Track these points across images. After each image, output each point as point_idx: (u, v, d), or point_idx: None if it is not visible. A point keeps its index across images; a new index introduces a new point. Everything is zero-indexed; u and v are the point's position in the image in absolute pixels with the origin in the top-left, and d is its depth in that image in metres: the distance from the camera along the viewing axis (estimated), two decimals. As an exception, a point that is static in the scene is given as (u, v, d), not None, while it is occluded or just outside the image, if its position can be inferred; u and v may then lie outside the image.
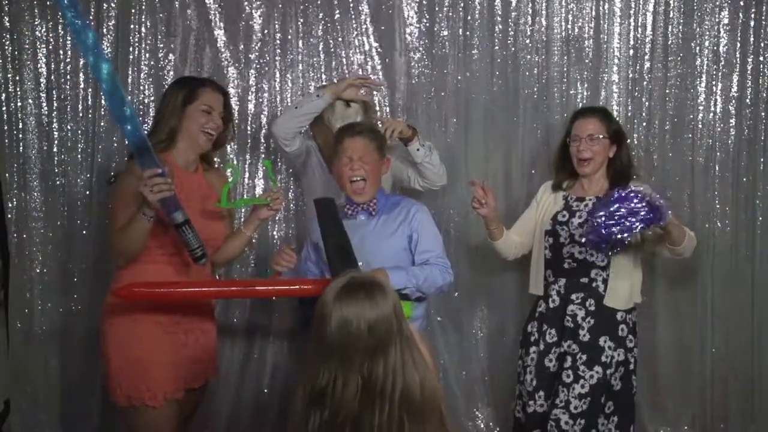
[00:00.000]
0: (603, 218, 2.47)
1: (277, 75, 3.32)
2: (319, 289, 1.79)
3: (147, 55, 3.27)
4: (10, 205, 3.25)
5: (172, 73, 3.27)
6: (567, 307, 2.77)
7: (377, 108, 3.25)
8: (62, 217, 3.29)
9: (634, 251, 2.76)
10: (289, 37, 3.30)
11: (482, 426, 3.44)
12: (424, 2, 3.28)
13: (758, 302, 3.32)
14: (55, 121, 3.26)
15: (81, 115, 3.27)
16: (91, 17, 3.21)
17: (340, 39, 3.30)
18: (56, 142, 3.27)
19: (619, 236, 2.46)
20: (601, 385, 2.68)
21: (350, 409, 1.56)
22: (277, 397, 3.34)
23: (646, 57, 3.28)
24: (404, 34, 3.30)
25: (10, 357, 3.30)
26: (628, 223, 2.45)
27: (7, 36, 3.20)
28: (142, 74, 3.28)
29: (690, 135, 3.29)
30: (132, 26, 3.24)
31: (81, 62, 3.23)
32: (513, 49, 3.30)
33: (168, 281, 2.38)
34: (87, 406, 3.31)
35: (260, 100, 3.34)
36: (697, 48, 3.26)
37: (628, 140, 2.99)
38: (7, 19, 3.19)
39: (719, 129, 3.28)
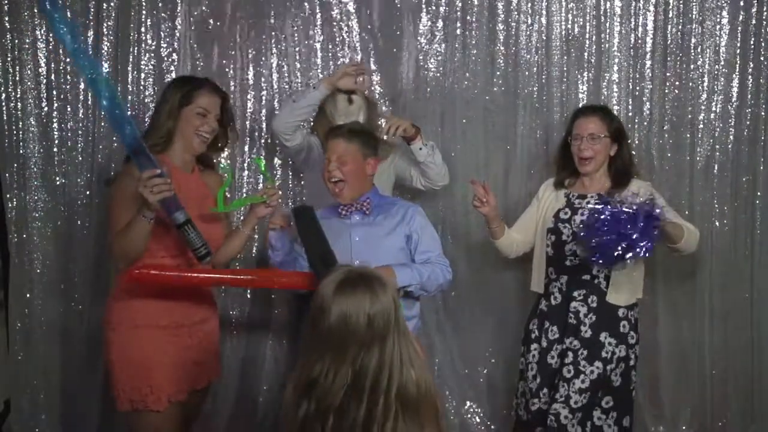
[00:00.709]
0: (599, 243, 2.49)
1: (275, 74, 3.32)
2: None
3: (147, 55, 3.26)
4: (10, 205, 3.25)
5: (173, 72, 3.26)
6: (569, 304, 2.78)
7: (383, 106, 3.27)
8: (62, 217, 3.29)
9: None
10: (289, 36, 3.29)
11: (482, 424, 3.44)
12: (423, 2, 3.28)
13: (757, 301, 3.33)
14: (55, 121, 3.26)
15: (81, 115, 3.26)
16: (90, 17, 3.21)
17: (338, 38, 3.29)
18: (56, 142, 3.26)
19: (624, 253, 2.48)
20: (601, 381, 2.70)
21: (335, 400, 1.57)
22: (277, 396, 3.34)
23: (647, 57, 3.28)
24: (403, 33, 3.29)
25: (10, 357, 3.30)
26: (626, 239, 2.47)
27: (7, 36, 3.19)
28: (142, 74, 3.27)
29: (690, 135, 3.29)
30: (132, 25, 3.23)
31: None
32: (513, 48, 3.30)
33: (175, 267, 2.39)
34: (87, 407, 3.31)
35: (259, 98, 3.33)
36: (698, 48, 3.26)
37: (629, 139, 3.00)
38: (7, 19, 3.19)
39: (719, 129, 3.28)
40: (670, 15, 3.26)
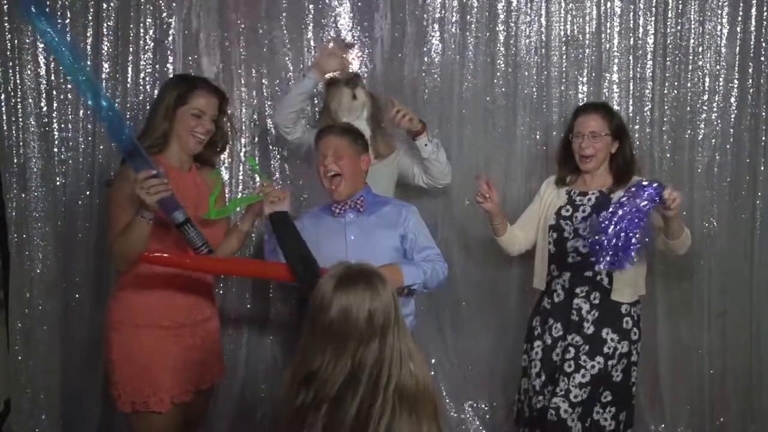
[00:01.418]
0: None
1: (271, 73, 3.32)
2: None
3: (146, 55, 3.26)
4: (10, 205, 3.25)
5: (173, 72, 3.26)
6: (572, 301, 2.79)
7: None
8: (62, 217, 3.29)
9: None
10: (285, 37, 3.29)
11: (482, 423, 3.45)
12: (423, 3, 3.28)
13: (757, 301, 3.33)
14: (55, 121, 3.26)
15: (81, 115, 3.26)
16: (90, 17, 3.21)
17: (335, 37, 3.29)
18: (56, 142, 3.26)
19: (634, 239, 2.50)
20: (601, 376, 2.70)
21: (332, 391, 1.59)
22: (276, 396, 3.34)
23: (647, 57, 3.28)
24: (403, 34, 3.30)
25: (10, 357, 3.30)
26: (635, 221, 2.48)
27: (7, 36, 3.19)
28: (141, 74, 3.27)
29: (690, 135, 3.29)
30: (131, 25, 3.24)
31: (80, 63, 3.22)
32: (513, 49, 3.30)
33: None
34: (87, 407, 3.31)
35: (257, 96, 3.34)
36: (698, 48, 3.26)
37: (630, 137, 2.99)
38: (7, 19, 3.19)
39: (719, 128, 3.28)
40: (670, 15, 3.26)
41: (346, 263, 1.71)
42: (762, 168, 3.28)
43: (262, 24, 3.30)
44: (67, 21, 3.21)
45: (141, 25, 3.25)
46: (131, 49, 3.25)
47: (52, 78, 3.24)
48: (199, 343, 2.50)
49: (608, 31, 3.28)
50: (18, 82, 3.22)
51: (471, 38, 3.30)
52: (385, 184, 3.00)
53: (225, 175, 3.28)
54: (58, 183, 3.27)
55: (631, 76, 3.29)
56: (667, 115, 3.30)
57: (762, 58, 3.24)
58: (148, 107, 3.22)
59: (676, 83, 3.28)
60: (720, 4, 3.24)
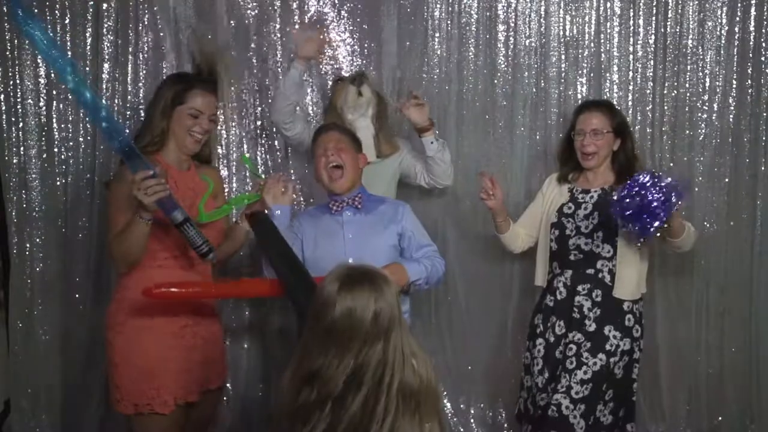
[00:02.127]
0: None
1: (270, 73, 3.31)
2: None
3: (146, 54, 3.26)
4: (10, 205, 3.25)
5: (171, 71, 3.26)
6: (574, 298, 2.79)
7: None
8: (62, 217, 3.29)
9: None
10: (282, 37, 3.29)
11: (483, 422, 3.45)
12: (422, 3, 3.28)
13: (756, 301, 3.33)
14: (55, 121, 3.26)
15: (81, 115, 3.26)
16: (90, 17, 3.21)
17: (333, 37, 3.29)
18: (56, 142, 3.26)
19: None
20: (603, 373, 2.70)
21: (336, 389, 1.59)
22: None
23: (647, 58, 3.28)
24: (403, 35, 3.29)
25: (10, 357, 3.30)
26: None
27: (7, 36, 3.19)
28: (141, 74, 3.27)
29: (690, 134, 3.29)
30: (131, 25, 3.23)
31: (80, 63, 3.22)
32: (513, 49, 3.29)
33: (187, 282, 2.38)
34: (87, 406, 3.31)
35: (256, 95, 3.33)
36: (698, 48, 3.26)
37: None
38: (6, 20, 3.18)
39: (720, 128, 3.28)
40: (670, 15, 3.25)
41: (347, 264, 1.71)
42: (762, 168, 3.28)
43: (265, 23, 3.29)
44: (67, 21, 3.21)
45: (141, 24, 3.24)
46: (131, 49, 3.25)
47: (52, 78, 3.23)
48: (201, 343, 2.48)
49: (608, 31, 3.28)
50: (18, 82, 3.22)
51: (471, 38, 3.29)
52: (387, 183, 3.00)
53: (224, 173, 3.28)
54: (58, 183, 3.28)
55: (630, 76, 3.29)
56: (667, 115, 3.30)
57: (762, 58, 3.24)
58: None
59: (676, 83, 3.28)
60: (719, 4, 3.23)
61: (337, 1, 3.27)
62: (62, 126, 3.27)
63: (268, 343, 3.39)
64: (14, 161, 3.24)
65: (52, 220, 3.28)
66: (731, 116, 3.28)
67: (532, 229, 2.97)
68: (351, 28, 3.30)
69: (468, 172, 3.28)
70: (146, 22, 3.24)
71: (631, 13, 3.26)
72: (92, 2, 3.22)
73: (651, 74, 3.28)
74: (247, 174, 3.30)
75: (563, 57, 3.30)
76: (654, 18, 3.26)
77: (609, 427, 2.76)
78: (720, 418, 3.37)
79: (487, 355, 3.45)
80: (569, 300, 2.81)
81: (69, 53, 3.21)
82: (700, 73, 3.27)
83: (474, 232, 3.34)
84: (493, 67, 3.31)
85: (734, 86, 3.26)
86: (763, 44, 3.23)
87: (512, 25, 3.29)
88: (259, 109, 3.32)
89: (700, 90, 3.28)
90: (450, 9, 3.28)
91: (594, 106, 2.89)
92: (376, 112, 2.99)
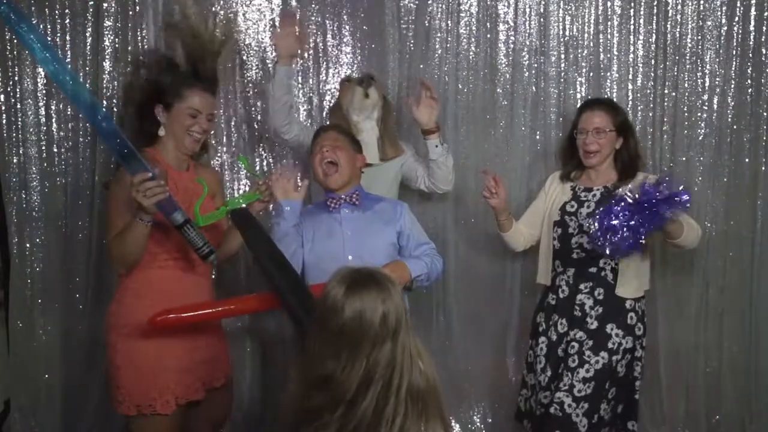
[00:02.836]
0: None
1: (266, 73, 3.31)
2: None
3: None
4: (10, 205, 3.25)
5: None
6: (576, 296, 2.79)
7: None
8: (62, 217, 3.29)
9: None
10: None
11: (482, 422, 3.45)
12: (422, 3, 3.27)
13: (755, 301, 3.33)
14: (54, 121, 3.26)
15: (81, 114, 3.25)
16: (90, 16, 3.21)
17: (331, 36, 3.29)
18: (56, 142, 3.26)
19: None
20: (605, 371, 2.71)
21: (349, 393, 1.59)
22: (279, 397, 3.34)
23: (647, 57, 3.28)
24: (401, 34, 3.29)
25: (11, 357, 3.30)
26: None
27: (7, 36, 3.19)
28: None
29: (690, 134, 3.29)
30: (131, 25, 3.23)
31: (80, 62, 3.22)
32: (513, 49, 3.30)
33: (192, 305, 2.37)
34: (87, 406, 3.31)
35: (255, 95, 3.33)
36: (698, 48, 3.26)
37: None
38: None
39: (720, 128, 3.28)
40: (670, 15, 3.26)
41: (349, 267, 1.70)
42: (762, 168, 3.28)
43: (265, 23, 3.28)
44: (67, 20, 3.21)
45: (140, 24, 3.23)
46: (130, 48, 3.23)
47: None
48: (203, 343, 2.48)
49: (608, 31, 3.28)
50: (18, 82, 3.21)
51: (471, 38, 3.29)
52: (389, 185, 3.00)
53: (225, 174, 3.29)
54: (58, 183, 3.27)
55: (630, 76, 3.29)
56: (667, 115, 3.30)
57: (762, 58, 3.24)
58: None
59: (676, 83, 3.28)
60: (719, 4, 3.23)
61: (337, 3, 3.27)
62: (62, 126, 3.26)
63: (268, 345, 3.39)
64: (14, 161, 3.24)
65: (52, 220, 3.27)
66: (731, 116, 3.28)
67: (534, 227, 2.98)
68: (351, 30, 3.30)
69: (468, 172, 3.28)
70: (146, 22, 3.23)
71: (631, 13, 3.27)
72: (92, 1, 3.21)
73: (651, 74, 3.29)
74: (245, 173, 3.31)
75: (563, 56, 3.30)
76: (654, 18, 3.27)
77: (608, 422, 2.76)
78: (718, 418, 3.38)
79: (487, 355, 3.45)
80: (571, 298, 2.82)
81: (69, 52, 3.22)
82: (700, 73, 3.28)
83: (474, 232, 3.35)
84: (493, 66, 3.31)
85: (733, 86, 3.27)
86: (763, 44, 3.23)
87: (512, 24, 3.29)
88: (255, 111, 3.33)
89: (700, 90, 3.28)
90: (450, 9, 3.28)
91: (596, 105, 2.90)
92: (381, 115, 2.99)
